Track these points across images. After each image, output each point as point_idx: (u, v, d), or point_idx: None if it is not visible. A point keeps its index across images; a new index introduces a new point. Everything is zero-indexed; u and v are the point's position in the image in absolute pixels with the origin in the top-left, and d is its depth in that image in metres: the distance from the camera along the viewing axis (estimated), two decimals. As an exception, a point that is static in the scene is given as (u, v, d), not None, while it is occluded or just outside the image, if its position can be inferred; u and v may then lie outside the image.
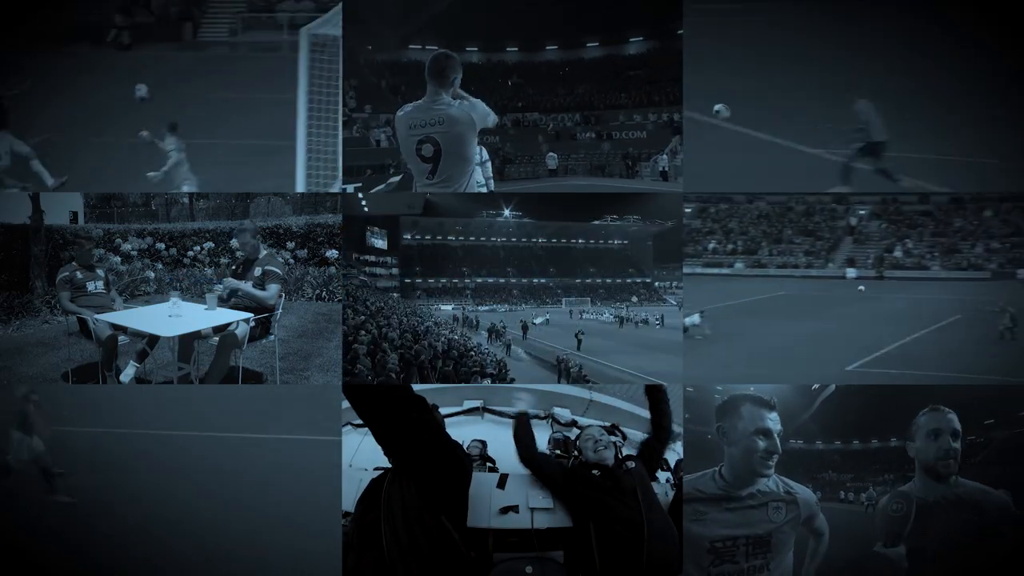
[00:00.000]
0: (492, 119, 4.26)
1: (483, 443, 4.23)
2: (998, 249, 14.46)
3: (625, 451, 4.40)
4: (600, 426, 4.00)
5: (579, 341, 12.35)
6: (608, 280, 18.31)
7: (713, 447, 3.39)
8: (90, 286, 6.02)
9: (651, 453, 3.90)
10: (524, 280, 17.85)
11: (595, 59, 15.76)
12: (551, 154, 12.66)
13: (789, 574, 3.21)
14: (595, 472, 3.66)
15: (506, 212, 17.18)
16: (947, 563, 3.00)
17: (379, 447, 3.27)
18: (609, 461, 3.71)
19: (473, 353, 9.76)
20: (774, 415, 3.22)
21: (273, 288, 5.75)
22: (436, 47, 4.48)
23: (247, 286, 5.71)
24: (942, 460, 3.10)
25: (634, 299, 17.33)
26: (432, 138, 4.15)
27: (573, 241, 18.80)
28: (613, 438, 3.90)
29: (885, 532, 3.05)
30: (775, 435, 3.18)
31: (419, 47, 14.30)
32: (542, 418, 4.59)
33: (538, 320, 14.63)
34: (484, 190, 5.42)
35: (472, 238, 18.02)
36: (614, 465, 3.72)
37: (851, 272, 14.30)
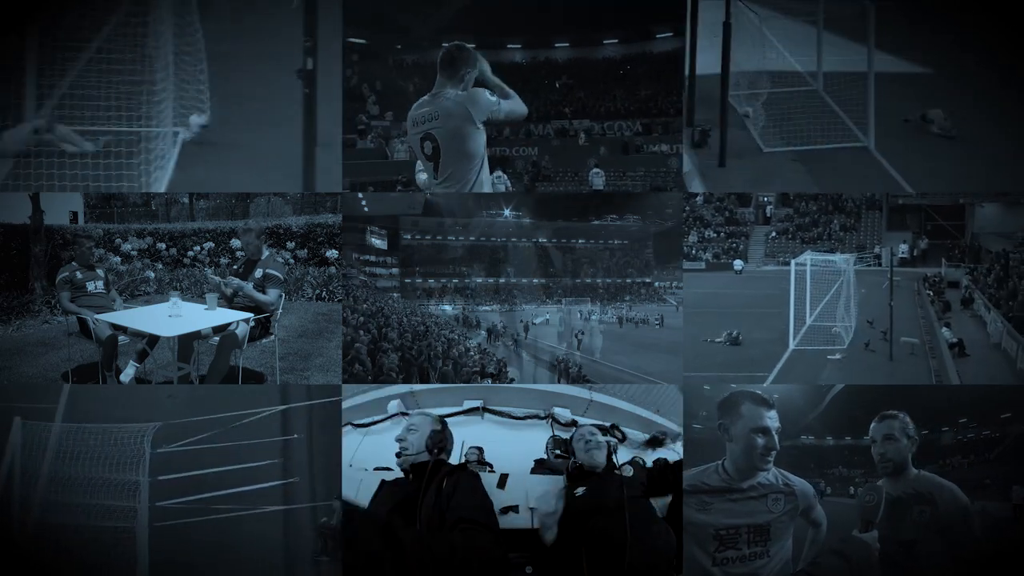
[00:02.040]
0: (505, 108, 3.88)
1: (480, 449, 4.23)
2: (712, 239, 13.47)
3: (630, 453, 4.38)
4: (593, 425, 3.95)
5: (579, 341, 12.33)
6: (608, 280, 18.29)
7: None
8: (90, 286, 6.03)
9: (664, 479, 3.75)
10: (524, 280, 17.80)
11: (665, 53, 12.62)
12: (596, 170, 10.24)
13: (788, 560, 3.48)
14: (578, 491, 3.57)
15: (506, 212, 17.13)
16: (915, 550, 3.40)
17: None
18: (600, 463, 3.65)
19: (473, 353, 9.75)
20: (772, 413, 3.42)
21: (274, 293, 5.77)
22: (473, 44, 4.07)
23: (249, 287, 5.73)
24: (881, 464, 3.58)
25: (627, 298, 17.19)
26: (431, 134, 3.90)
27: (573, 241, 18.77)
28: (607, 438, 3.82)
29: (860, 519, 3.37)
30: (773, 433, 3.40)
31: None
32: (542, 418, 4.60)
33: (538, 320, 14.61)
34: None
35: (472, 238, 17.97)
36: (603, 471, 3.65)
37: (738, 264, 13.36)
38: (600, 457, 3.66)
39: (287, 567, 5.52)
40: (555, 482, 3.78)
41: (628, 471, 3.68)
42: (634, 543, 3.38)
